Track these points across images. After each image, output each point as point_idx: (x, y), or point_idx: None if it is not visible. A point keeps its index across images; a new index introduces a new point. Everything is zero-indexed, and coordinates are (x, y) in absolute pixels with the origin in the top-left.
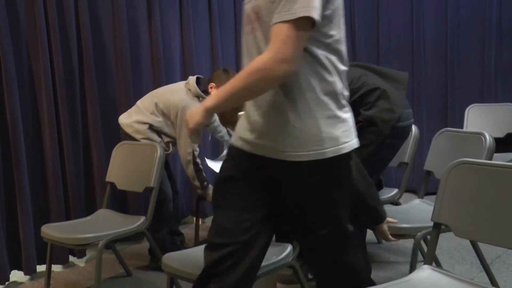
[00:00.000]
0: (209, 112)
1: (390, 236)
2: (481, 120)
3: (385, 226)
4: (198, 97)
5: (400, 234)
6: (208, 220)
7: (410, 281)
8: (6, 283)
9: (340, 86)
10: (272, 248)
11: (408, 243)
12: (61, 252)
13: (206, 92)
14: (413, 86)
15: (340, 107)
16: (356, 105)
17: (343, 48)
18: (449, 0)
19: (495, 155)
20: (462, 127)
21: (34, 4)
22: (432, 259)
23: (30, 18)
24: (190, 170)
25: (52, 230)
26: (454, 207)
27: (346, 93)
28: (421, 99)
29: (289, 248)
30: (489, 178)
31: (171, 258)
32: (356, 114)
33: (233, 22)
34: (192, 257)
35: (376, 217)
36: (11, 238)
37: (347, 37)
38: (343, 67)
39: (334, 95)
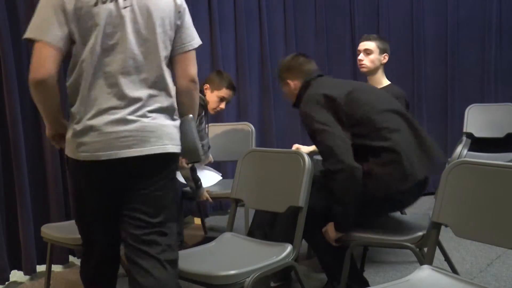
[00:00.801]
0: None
1: (332, 240)
2: (481, 120)
3: (330, 227)
4: None
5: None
6: (208, 220)
7: (410, 281)
8: (6, 283)
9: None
10: (272, 248)
11: None
12: (61, 252)
13: (202, 93)
14: (413, 86)
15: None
16: (368, 149)
17: (86, 68)
18: (449, 0)
19: (496, 155)
20: (462, 127)
21: (34, 4)
22: (432, 259)
23: (30, 18)
24: (186, 170)
25: (52, 230)
26: (454, 207)
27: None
28: (421, 99)
29: (289, 248)
30: (489, 178)
31: None
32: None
33: (233, 22)
34: (189, 258)
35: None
36: (11, 238)
37: (347, 37)
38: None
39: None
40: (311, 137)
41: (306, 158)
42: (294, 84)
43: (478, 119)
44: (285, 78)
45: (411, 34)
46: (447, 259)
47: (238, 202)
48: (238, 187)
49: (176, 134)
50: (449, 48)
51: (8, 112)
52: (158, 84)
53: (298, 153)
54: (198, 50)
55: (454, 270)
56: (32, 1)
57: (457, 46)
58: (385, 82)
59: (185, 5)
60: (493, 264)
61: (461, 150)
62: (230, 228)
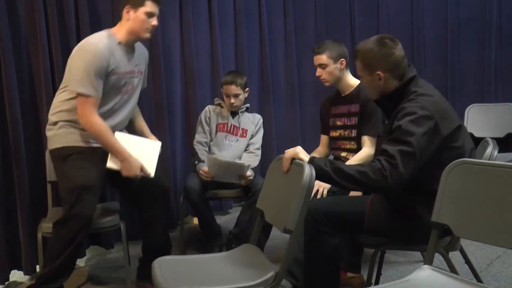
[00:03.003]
0: None
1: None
2: (481, 120)
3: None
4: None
5: None
6: None
7: (410, 281)
8: (6, 283)
9: None
10: (254, 270)
11: None
12: None
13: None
14: None
15: None
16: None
17: None
18: (449, 0)
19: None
20: None
21: (34, 4)
22: (432, 259)
23: (30, 18)
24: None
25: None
26: (454, 207)
27: None
28: None
29: (270, 274)
30: (489, 178)
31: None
32: None
33: (233, 22)
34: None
35: None
36: (11, 238)
37: (347, 37)
38: None
39: None
40: (393, 138)
41: (306, 170)
42: (385, 77)
43: (478, 119)
44: (375, 67)
45: (411, 34)
46: (467, 261)
47: (261, 213)
48: (261, 197)
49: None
50: (449, 48)
51: (8, 112)
52: None
53: (299, 165)
54: (198, 50)
55: (453, 270)
56: (32, 2)
57: (457, 46)
58: (355, 82)
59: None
60: (493, 264)
61: (492, 152)
62: (254, 242)
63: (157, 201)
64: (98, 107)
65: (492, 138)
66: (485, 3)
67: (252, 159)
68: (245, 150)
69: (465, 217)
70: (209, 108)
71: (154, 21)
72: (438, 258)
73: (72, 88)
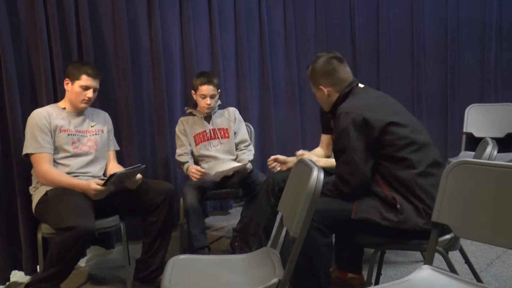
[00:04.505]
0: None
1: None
2: (481, 120)
3: None
4: None
5: None
6: (208, 220)
7: (410, 281)
8: (7, 283)
9: None
10: (255, 275)
11: None
12: None
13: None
14: (413, 86)
15: None
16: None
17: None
18: (449, 0)
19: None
20: (462, 127)
21: (34, 4)
22: (432, 259)
23: (30, 18)
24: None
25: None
26: (454, 207)
27: None
28: (421, 99)
29: (273, 281)
30: (489, 178)
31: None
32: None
33: (233, 22)
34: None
35: None
36: (11, 238)
37: (347, 37)
38: None
39: None
40: (337, 151)
41: (313, 174)
42: (328, 91)
43: (478, 119)
44: (318, 83)
45: (411, 34)
46: (467, 261)
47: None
48: (282, 200)
49: None
50: (449, 48)
51: (8, 112)
52: None
53: (306, 165)
54: (198, 49)
55: (453, 270)
56: (32, 2)
57: (457, 46)
58: None
59: None
60: (493, 264)
61: (491, 152)
62: (274, 246)
63: (161, 205)
64: (56, 153)
65: (492, 138)
66: (485, 3)
67: (246, 155)
68: (236, 149)
69: (465, 217)
70: (181, 120)
71: (89, 94)
72: (438, 258)
73: (23, 153)
